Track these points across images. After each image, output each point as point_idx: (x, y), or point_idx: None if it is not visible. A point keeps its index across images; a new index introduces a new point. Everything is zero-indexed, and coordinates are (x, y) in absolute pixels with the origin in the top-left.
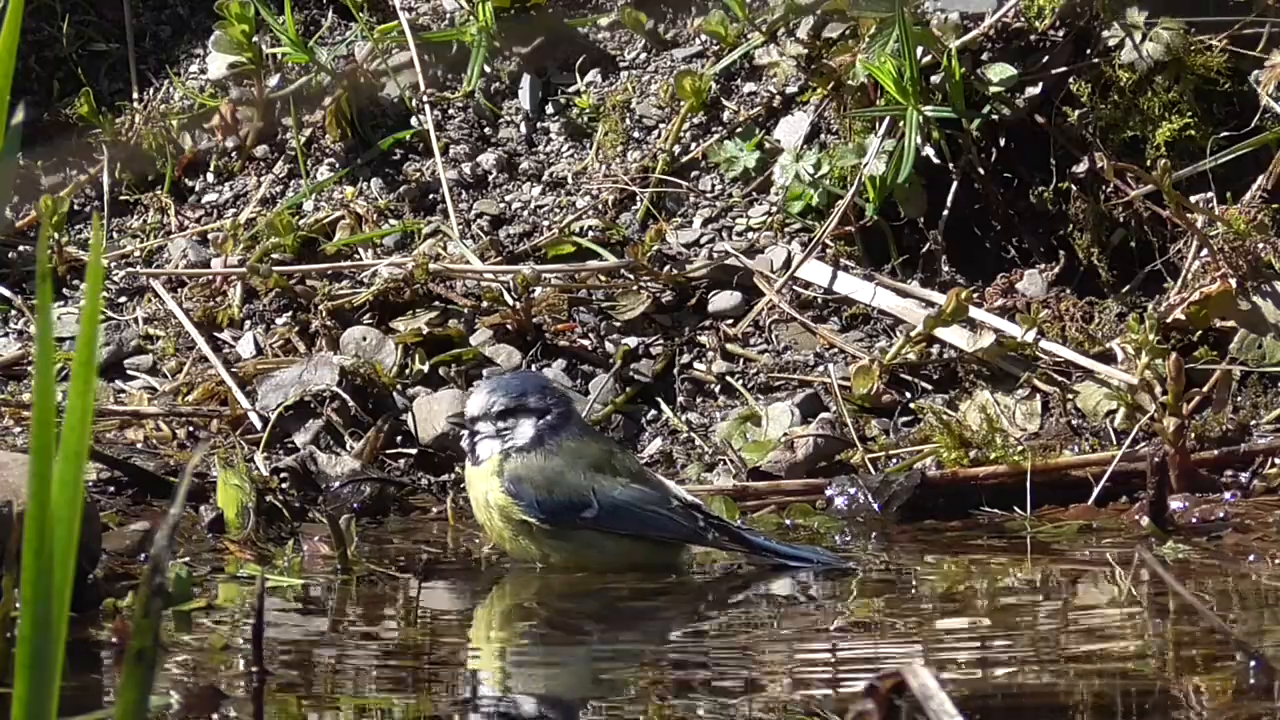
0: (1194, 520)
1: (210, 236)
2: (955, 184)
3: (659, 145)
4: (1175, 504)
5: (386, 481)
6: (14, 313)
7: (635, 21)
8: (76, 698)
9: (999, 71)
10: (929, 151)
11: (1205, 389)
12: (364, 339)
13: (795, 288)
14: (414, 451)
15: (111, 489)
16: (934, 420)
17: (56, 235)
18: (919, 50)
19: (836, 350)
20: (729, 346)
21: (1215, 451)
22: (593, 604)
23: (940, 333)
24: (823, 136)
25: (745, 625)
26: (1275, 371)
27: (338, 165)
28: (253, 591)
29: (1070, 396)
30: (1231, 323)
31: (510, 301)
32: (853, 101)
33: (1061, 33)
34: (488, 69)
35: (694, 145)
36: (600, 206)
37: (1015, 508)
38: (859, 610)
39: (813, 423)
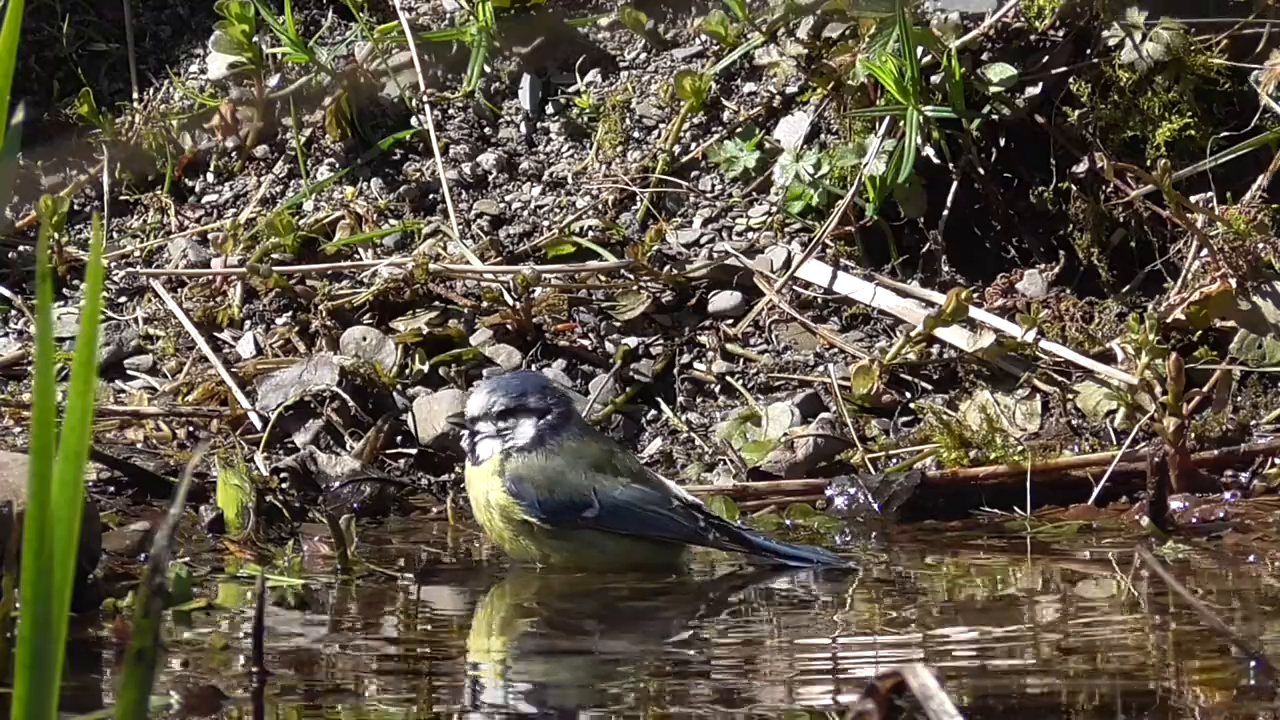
0: (1194, 520)
1: (210, 236)
2: (955, 184)
3: (659, 145)
4: (1175, 504)
5: (386, 481)
6: (14, 313)
7: (635, 21)
8: (76, 698)
9: (999, 71)
10: (929, 151)
11: (1205, 389)
12: (364, 339)
13: (795, 288)
14: (414, 451)
15: (111, 489)
16: (934, 420)
17: (56, 235)
18: (919, 50)
19: (836, 350)
20: (729, 346)
21: (1215, 451)
22: (593, 604)
23: (940, 333)
24: (823, 136)
25: (745, 625)
26: (1275, 371)
27: (338, 165)
28: (253, 591)
29: (1070, 396)
30: (1231, 323)
31: (510, 301)
32: (853, 101)
33: (1061, 33)
34: (488, 69)
35: (694, 145)
36: (600, 206)
37: (1015, 508)
38: (859, 610)
39: (813, 423)
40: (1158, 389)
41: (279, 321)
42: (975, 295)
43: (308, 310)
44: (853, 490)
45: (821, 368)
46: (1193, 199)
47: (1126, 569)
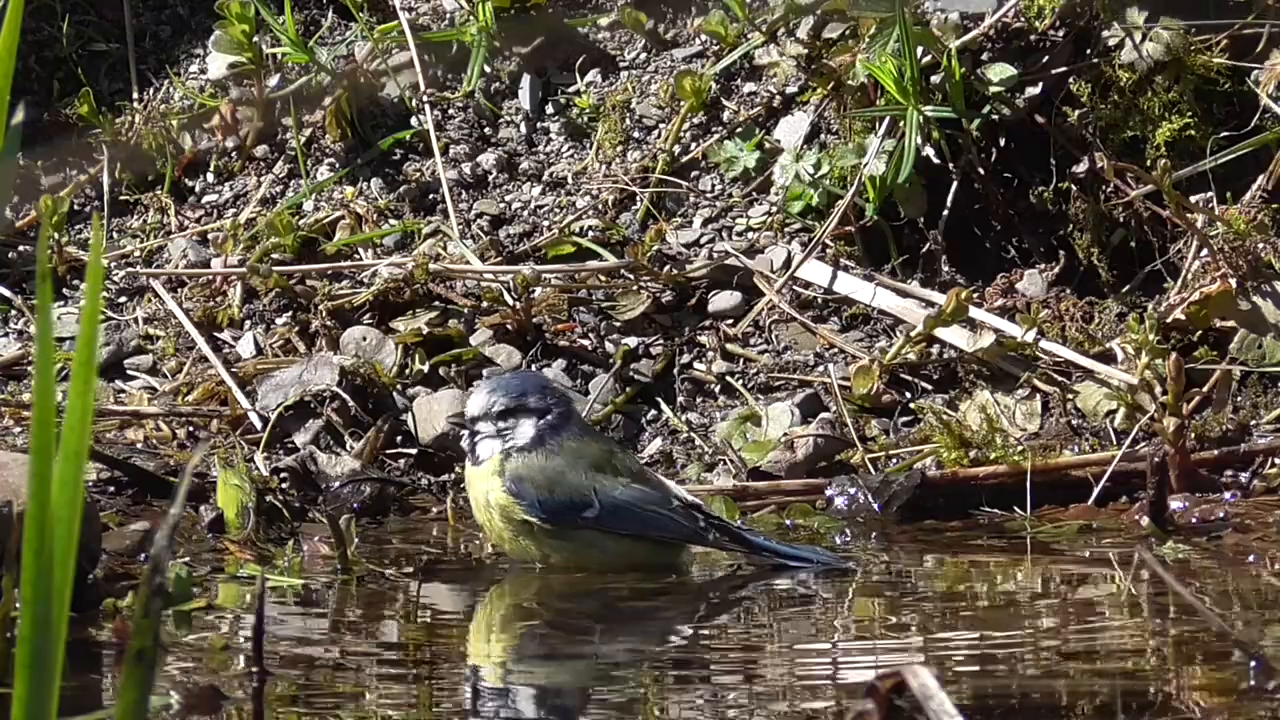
0: (1194, 520)
1: (210, 236)
2: (955, 184)
3: (659, 145)
4: (1175, 504)
5: (386, 481)
6: (14, 313)
7: (635, 21)
8: (76, 698)
9: (999, 71)
10: (929, 151)
11: (1205, 389)
12: (364, 339)
13: (795, 288)
14: (414, 451)
15: (111, 489)
16: (934, 420)
17: (56, 235)
18: (919, 50)
19: (836, 350)
20: (729, 346)
21: (1215, 451)
22: (593, 604)
23: (940, 333)
24: (823, 136)
25: (745, 625)
26: (1275, 371)
27: (338, 165)
28: (253, 591)
29: (1070, 396)
30: (1231, 323)
31: (510, 301)
32: (853, 101)
33: (1061, 33)
34: (488, 69)
35: (694, 145)
36: (600, 206)
37: (1015, 508)
38: (859, 610)
39: (813, 423)
40: (1158, 389)
41: (279, 321)
42: (975, 295)
43: (308, 310)
44: (853, 490)
45: (821, 368)
46: (1193, 199)
47: (1126, 569)
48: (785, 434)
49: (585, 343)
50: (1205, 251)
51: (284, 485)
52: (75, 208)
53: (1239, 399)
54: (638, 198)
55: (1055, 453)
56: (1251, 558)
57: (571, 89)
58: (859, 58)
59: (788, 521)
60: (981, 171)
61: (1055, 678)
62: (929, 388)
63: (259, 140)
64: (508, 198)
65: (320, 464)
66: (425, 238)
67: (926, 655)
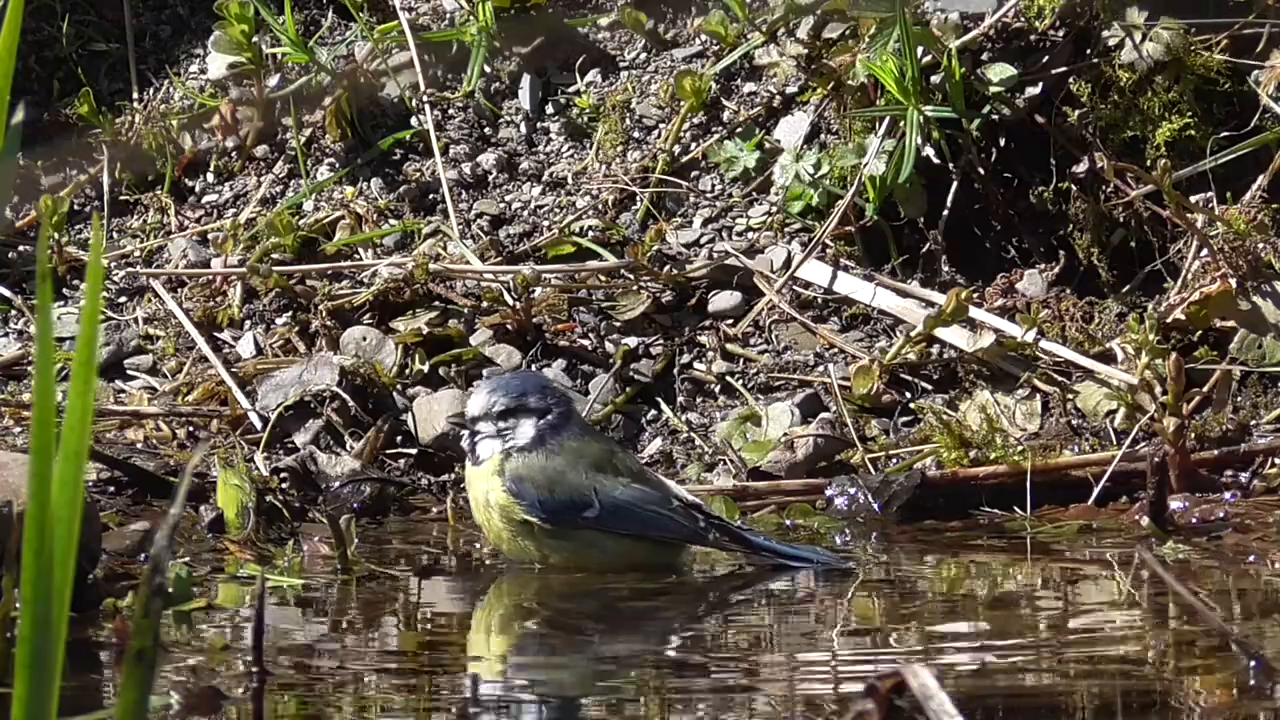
0: (1194, 520)
1: (210, 236)
2: (955, 184)
3: (659, 145)
4: (1175, 504)
5: (386, 481)
6: (14, 313)
7: (635, 21)
8: (76, 698)
9: (999, 71)
10: (929, 151)
11: (1205, 389)
12: (364, 339)
13: (795, 288)
14: (414, 451)
15: (111, 489)
16: (934, 420)
17: (56, 235)
18: (919, 50)
19: (836, 350)
20: (729, 346)
21: (1215, 451)
22: (593, 604)
23: (940, 333)
24: (823, 136)
25: (745, 625)
26: (1275, 371)
27: (338, 165)
28: (253, 591)
29: (1070, 396)
30: (1231, 323)
31: (510, 301)
32: (853, 101)
33: (1061, 33)
34: (488, 69)
35: (694, 145)
36: (600, 206)
37: (1015, 508)
38: (859, 610)
39: (813, 423)
40: (1158, 389)
41: (279, 321)
42: (975, 295)
43: (308, 310)
44: (853, 490)
45: (821, 368)
46: (1193, 199)
47: (1126, 569)
48: (785, 434)
49: (585, 343)
50: (1205, 251)
51: (284, 485)
52: (75, 208)
53: (1239, 399)
54: (638, 198)
55: (1055, 453)
56: (1251, 558)
57: (571, 89)
58: (859, 58)
59: (788, 521)
60: (981, 171)
61: (1055, 677)
62: (929, 388)
63: (259, 140)
64: (508, 198)
65: (320, 464)
66: (425, 238)
67: (926, 655)
